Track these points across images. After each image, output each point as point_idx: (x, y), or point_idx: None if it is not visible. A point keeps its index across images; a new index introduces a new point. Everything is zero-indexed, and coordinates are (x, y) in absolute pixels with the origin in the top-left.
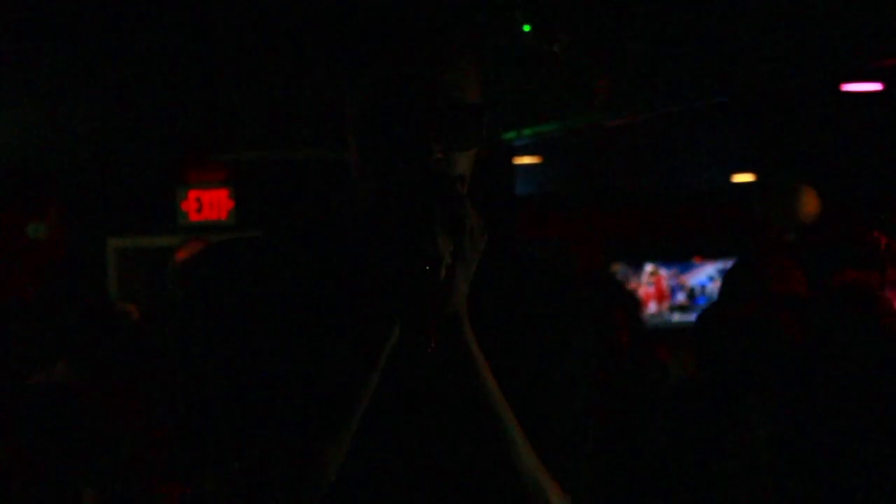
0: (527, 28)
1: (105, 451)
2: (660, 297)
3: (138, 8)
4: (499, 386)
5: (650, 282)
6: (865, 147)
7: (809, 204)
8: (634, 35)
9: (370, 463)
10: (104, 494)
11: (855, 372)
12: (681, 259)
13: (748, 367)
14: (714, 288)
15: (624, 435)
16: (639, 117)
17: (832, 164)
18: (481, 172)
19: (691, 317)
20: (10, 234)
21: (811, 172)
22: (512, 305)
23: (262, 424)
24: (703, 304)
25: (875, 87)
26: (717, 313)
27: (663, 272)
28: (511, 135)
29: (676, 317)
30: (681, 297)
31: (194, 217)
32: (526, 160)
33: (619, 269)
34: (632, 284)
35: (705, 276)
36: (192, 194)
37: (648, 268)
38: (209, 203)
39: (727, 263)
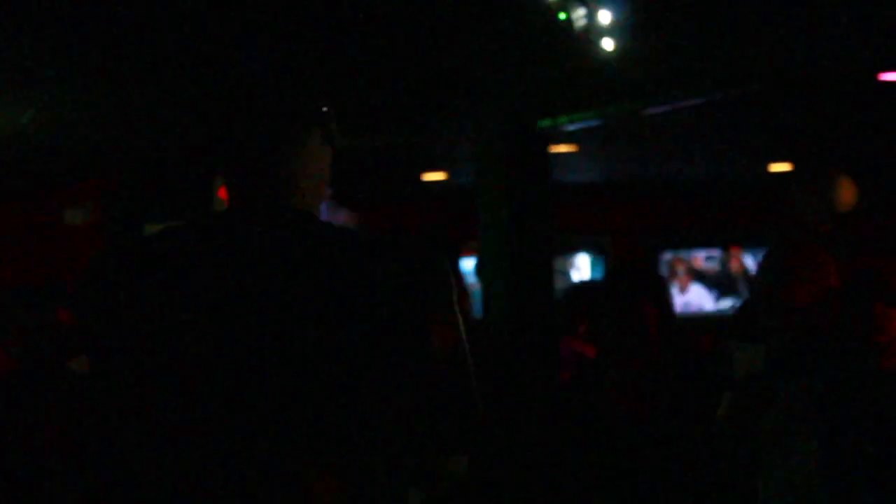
0: (563, 16)
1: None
2: None
3: None
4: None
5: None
6: None
7: (846, 193)
8: (671, 22)
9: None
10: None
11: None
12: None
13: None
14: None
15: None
16: (675, 106)
17: (869, 154)
18: (516, 162)
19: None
20: (47, 220)
21: (848, 162)
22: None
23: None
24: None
25: None
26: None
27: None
28: (547, 123)
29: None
30: None
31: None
32: (562, 149)
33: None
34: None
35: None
36: None
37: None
38: None
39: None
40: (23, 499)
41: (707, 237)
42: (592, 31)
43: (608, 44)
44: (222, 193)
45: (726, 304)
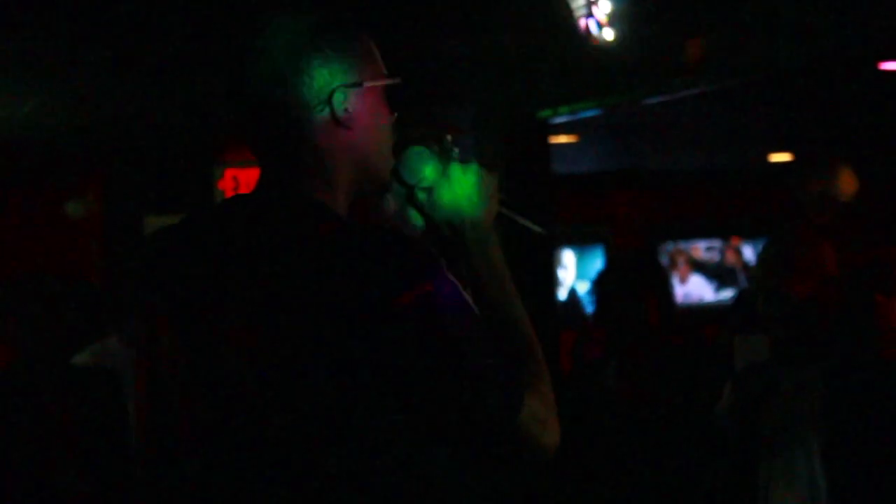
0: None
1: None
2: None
3: None
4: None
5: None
6: None
7: (847, 183)
8: (671, 12)
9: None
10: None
11: None
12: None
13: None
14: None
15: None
16: (676, 96)
17: (870, 144)
18: (517, 152)
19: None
20: (48, 212)
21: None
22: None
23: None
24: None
25: None
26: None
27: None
28: (547, 113)
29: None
30: None
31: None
32: (562, 139)
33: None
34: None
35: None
36: (229, 173)
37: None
38: (246, 182)
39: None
40: (24, 493)
41: (707, 228)
42: (592, 21)
43: (608, 34)
44: (222, 185)
45: (726, 294)
